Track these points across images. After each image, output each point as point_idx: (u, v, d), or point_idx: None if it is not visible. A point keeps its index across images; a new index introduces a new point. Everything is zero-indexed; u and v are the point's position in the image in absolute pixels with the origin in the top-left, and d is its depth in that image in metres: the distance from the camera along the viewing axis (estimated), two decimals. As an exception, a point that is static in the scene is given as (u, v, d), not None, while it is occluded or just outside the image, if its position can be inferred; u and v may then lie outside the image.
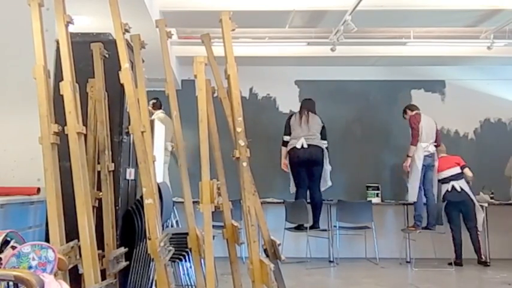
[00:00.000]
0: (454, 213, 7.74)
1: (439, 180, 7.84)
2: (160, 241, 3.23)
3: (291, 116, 8.13)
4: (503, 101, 9.03)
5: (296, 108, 8.39)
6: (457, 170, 7.82)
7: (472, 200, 7.74)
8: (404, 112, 8.05)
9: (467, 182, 7.82)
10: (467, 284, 6.73)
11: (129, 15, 3.79)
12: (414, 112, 7.82)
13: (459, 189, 7.71)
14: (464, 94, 9.03)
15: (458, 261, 7.58)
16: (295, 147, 7.82)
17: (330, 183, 8.02)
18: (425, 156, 7.57)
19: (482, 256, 7.66)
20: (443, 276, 7.01)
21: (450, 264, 7.50)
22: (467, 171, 7.82)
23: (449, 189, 7.75)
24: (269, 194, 8.37)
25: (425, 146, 7.61)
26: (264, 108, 9.03)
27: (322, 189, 7.96)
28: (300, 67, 8.99)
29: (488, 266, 7.56)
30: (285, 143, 7.98)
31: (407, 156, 7.69)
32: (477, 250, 7.67)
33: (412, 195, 7.57)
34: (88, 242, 2.95)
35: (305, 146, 7.80)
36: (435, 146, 7.75)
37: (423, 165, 7.55)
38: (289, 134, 7.95)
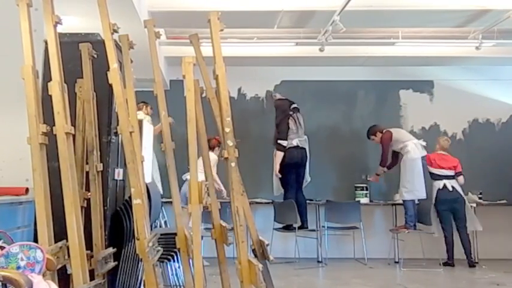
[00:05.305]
0: (445, 212, 7.72)
1: (430, 176, 7.80)
2: (148, 241, 3.22)
3: (287, 118, 8.09)
4: (492, 101, 9.08)
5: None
6: (451, 173, 7.79)
7: (463, 199, 7.73)
8: (373, 135, 8.17)
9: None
10: (455, 284, 6.78)
11: (117, 15, 3.78)
12: (384, 131, 7.92)
13: (450, 188, 7.69)
14: (452, 94, 9.07)
15: (450, 262, 7.59)
16: (292, 147, 7.87)
17: (309, 179, 8.12)
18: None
19: (472, 257, 7.64)
20: (431, 276, 7.06)
21: (444, 264, 7.50)
22: (461, 179, 7.76)
23: (441, 187, 7.72)
24: (258, 194, 8.39)
25: (416, 142, 7.67)
26: (252, 109, 9.04)
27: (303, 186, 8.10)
28: (288, 67, 8.99)
29: (475, 267, 7.54)
30: (282, 147, 7.94)
31: (376, 174, 8.10)
32: (466, 251, 7.62)
33: (421, 192, 7.57)
34: (76, 242, 2.94)
35: (300, 146, 7.93)
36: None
37: None
38: (286, 139, 7.95)
